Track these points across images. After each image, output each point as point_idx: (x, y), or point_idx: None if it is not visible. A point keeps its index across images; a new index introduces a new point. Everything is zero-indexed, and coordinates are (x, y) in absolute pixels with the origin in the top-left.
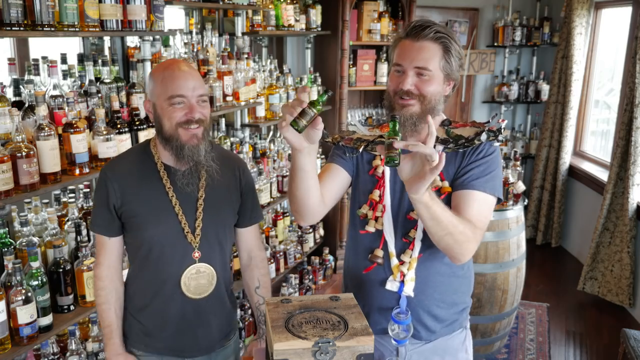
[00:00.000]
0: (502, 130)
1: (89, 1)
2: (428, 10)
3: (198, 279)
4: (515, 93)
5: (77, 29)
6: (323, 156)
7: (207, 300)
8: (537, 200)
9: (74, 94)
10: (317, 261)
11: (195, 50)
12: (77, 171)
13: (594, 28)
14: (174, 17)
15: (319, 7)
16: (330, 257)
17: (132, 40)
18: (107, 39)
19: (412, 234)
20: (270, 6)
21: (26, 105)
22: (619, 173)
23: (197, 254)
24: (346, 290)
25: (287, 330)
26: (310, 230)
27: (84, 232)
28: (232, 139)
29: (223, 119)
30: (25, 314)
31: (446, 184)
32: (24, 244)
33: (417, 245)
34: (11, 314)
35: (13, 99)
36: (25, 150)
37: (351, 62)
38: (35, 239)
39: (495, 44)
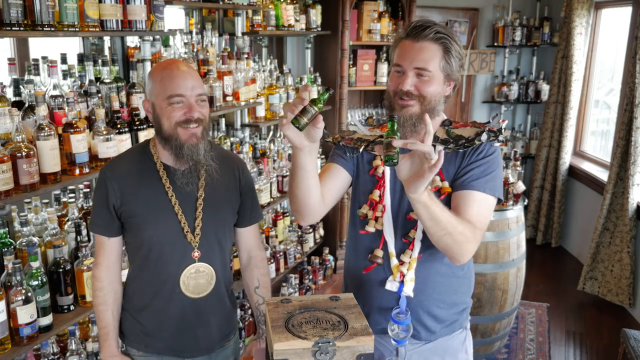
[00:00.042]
0: (503, 130)
1: (89, 1)
2: (428, 10)
3: (197, 278)
4: (515, 93)
5: (77, 29)
6: (323, 156)
7: (206, 299)
8: (537, 200)
9: (74, 94)
10: (317, 261)
11: (195, 50)
12: (77, 171)
13: (594, 28)
14: (174, 17)
15: (319, 7)
16: (330, 257)
17: (132, 40)
18: (107, 39)
19: (412, 234)
20: (270, 6)
21: (26, 105)
22: (619, 173)
23: (196, 254)
24: (346, 290)
25: (287, 330)
26: (310, 230)
27: (84, 232)
28: (232, 139)
29: (223, 119)
30: (25, 314)
31: (446, 184)
32: (24, 244)
33: (417, 245)
34: (11, 314)
35: (13, 99)
36: (25, 150)
37: (351, 62)
38: (35, 239)
39: (495, 44)
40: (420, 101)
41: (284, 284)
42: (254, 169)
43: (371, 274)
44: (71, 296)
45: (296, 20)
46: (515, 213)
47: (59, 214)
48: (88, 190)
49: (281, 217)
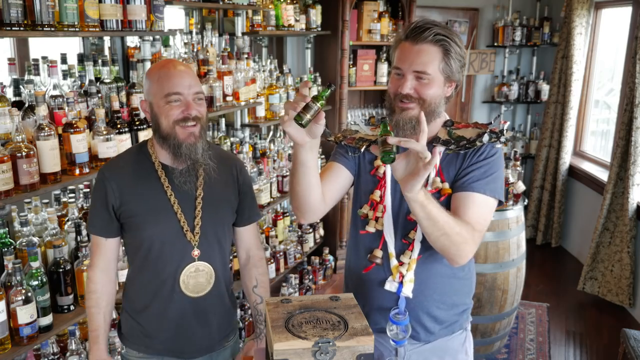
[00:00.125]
0: (505, 131)
1: (89, 1)
2: (428, 10)
3: (197, 277)
4: (515, 93)
5: (77, 29)
6: (323, 156)
7: (206, 298)
8: (537, 200)
9: (74, 94)
10: (317, 261)
11: (195, 50)
12: (77, 171)
13: (594, 28)
14: (174, 17)
15: (319, 7)
16: (330, 257)
17: (132, 40)
18: (107, 39)
19: (412, 235)
20: (270, 6)
21: (26, 105)
22: (619, 173)
23: (196, 252)
24: (347, 290)
25: (287, 330)
26: (310, 230)
27: (84, 232)
28: (232, 139)
29: (223, 119)
30: (25, 314)
31: (446, 185)
32: (24, 244)
33: (417, 246)
34: (11, 314)
35: (13, 99)
36: (25, 150)
37: (351, 62)
38: (35, 239)
39: (495, 44)
40: (420, 104)
41: (284, 284)
42: (254, 169)
43: (371, 274)
44: (71, 296)
45: (296, 20)
46: (515, 213)
47: (59, 214)
48: (88, 190)
49: (281, 217)
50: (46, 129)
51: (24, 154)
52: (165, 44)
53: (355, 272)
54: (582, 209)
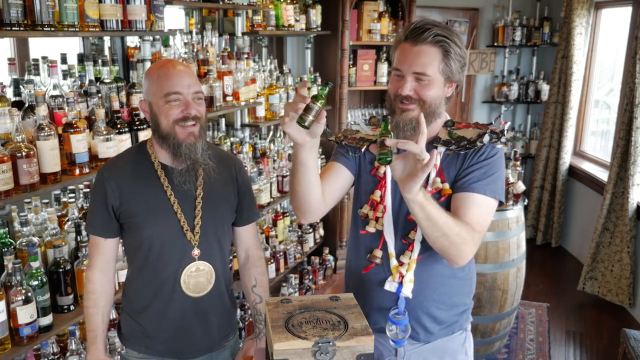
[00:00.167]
0: (505, 132)
1: (89, 1)
2: (428, 10)
3: (197, 277)
4: (515, 93)
5: (77, 29)
6: (323, 156)
7: (206, 298)
8: (537, 200)
9: (74, 94)
10: (317, 261)
11: (195, 50)
12: (77, 171)
13: (594, 28)
14: (174, 17)
15: (319, 7)
16: (330, 257)
17: (132, 40)
18: (107, 39)
19: (412, 236)
20: (270, 6)
21: (26, 105)
22: (619, 173)
23: (196, 252)
24: (347, 290)
25: (287, 330)
26: (310, 230)
27: (84, 232)
28: (232, 139)
29: (223, 119)
30: (25, 314)
31: (447, 185)
32: (24, 244)
33: (417, 246)
34: (11, 314)
35: (13, 99)
36: (25, 150)
37: (351, 62)
38: (35, 239)
39: (495, 44)
40: (420, 105)
41: (284, 284)
42: (254, 169)
43: (371, 273)
44: (71, 296)
45: (296, 20)
46: (515, 213)
47: (59, 214)
48: (88, 190)
49: (281, 217)
50: (46, 129)
51: (24, 154)
52: (165, 44)
53: (356, 272)
54: (582, 209)
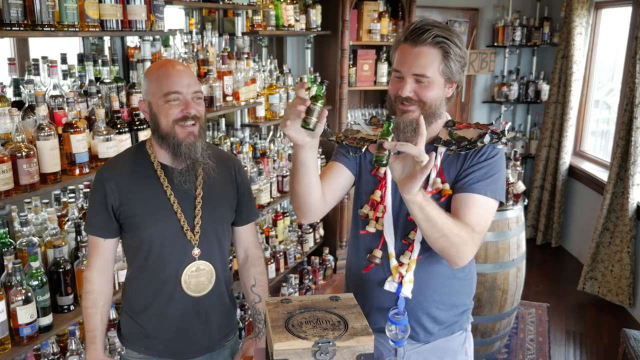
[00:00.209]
0: (506, 132)
1: (89, 1)
2: (428, 10)
3: (198, 276)
4: (515, 93)
5: (77, 29)
6: (323, 156)
7: (206, 298)
8: (537, 200)
9: (74, 94)
10: (317, 261)
11: (195, 50)
12: (77, 171)
13: (594, 28)
14: (174, 17)
15: (319, 7)
16: (330, 257)
17: (132, 40)
18: (107, 39)
19: (412, 236)
20: (270, 6)
21: (26, 105)
22: (619, 173)
23: (196, 252)
24: (347, 290)
25: (287, 330)
26: (310, 230)
27: (84, 232)
28: (232, 139)
29: (223, 119)
30: (25, 314)
31: (447, 186)
32: (24, 244)
33: (417, 247)
34: (11, 314)
35: (13, 99)
36: (25, 150)
37: (351, 62)
38: (35, 239)
39: (495, 44)
40: (420, 106)
41: (284, 284)
42: (254, 169)
43: (371, 273)
44: (71, 296)
45: (296, 20)
46: (515, 213)
47: (59, 214)
48: (88, 190)
49: (281, 217)
50: (46, 129)
51: (24, 154)
52: (165, 44)
53: (356, 271)
54: (582, 209)
